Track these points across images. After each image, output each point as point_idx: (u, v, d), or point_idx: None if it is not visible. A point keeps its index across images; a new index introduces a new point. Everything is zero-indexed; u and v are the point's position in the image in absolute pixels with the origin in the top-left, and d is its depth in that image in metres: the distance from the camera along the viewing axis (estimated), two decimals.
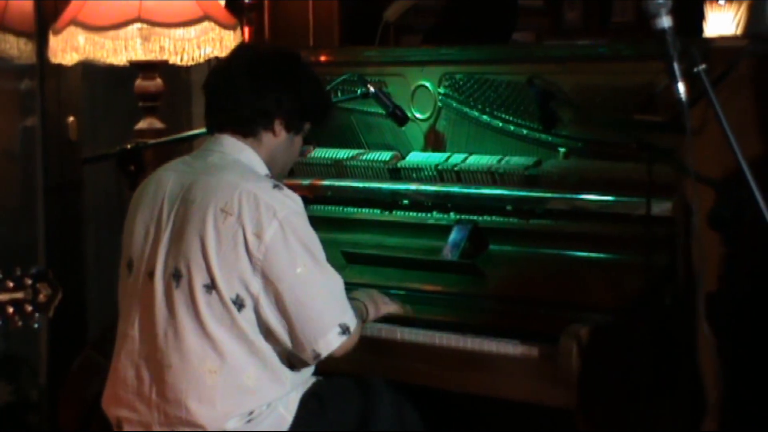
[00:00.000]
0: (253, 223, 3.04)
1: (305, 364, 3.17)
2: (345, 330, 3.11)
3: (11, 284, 2.90)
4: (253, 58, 3.26)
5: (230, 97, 3.20)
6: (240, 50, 3.42)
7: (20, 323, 2.90)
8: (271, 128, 3.20)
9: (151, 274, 3.13)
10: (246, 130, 3.19)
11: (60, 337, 4.85)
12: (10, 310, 2.88)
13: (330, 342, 3.09)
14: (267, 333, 3.09)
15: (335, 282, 3.14)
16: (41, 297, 2.91)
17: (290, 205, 3.09)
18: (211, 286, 3.05)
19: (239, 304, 3.05)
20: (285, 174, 3.36)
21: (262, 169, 3.20)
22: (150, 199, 3.19)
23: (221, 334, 3.06)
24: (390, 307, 3.46)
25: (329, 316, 3.09)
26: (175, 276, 3.09)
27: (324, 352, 3.10)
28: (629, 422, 3.21)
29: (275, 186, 3.12)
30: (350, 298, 3.24)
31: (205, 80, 3.30)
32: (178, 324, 3.07)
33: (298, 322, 3.06)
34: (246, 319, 3.06)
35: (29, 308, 2.90)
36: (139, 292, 3.15)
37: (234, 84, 3.20)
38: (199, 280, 3.06)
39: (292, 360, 3.15)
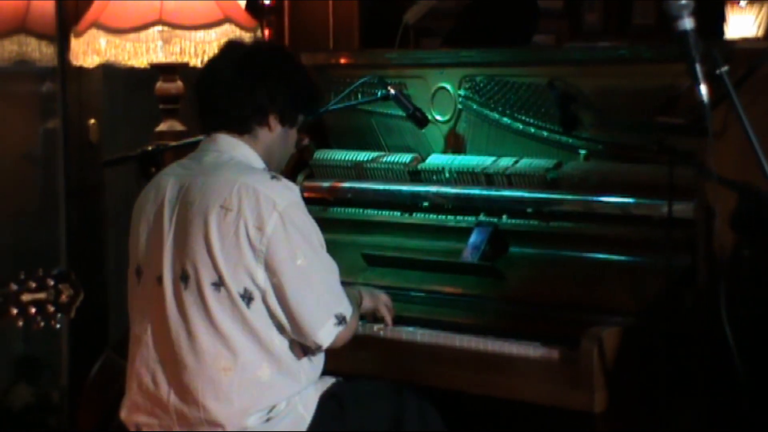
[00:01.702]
0: (254, 216, 3.05)
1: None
2: (341, 320, 3.11)
3: (33, 285, 2.91)
4: (240, 55, 3.24)
5: (223, 96, 3.18)
6: (226, 49, 3.34)
7: (42, 324, 2.91)
8: (266, 123, 3.20)
9: (159, 279, 3.14)
10: (241, 129, 3.19)
11: (81, 338, 4.87)
12: (33, 310, 2.89)
13: (328, 333, 3.10)
14: (279, 326, 3.10)
15: (332, 271, 3.14)
16: (63, 297, 2.92)
17: (289, 196, 3.10)
18: (219, 283, 3.06)
19: (248, 298, 3.06)
20: (282, 168, 3.35)
21: (259, 164, 3.20)
22: (151, 205, 3.20)
23: (233, 331, 3.07)
24: (389, 302, 3.43)
25: (326, 307, 3.10)
26: (182, 278, 3.10)
27: (324, 343, 3.11)
28: (650, 425, 3.20)
29: (273, 177, 3.13)
30: (345, 285, 3.22)
31: (195, 81, 3.29)
32: (190, 325, 3.08)
33: (298, 313, 3.07)
34: (256, 312, 3.07)
35: (51, 309, 2.91)
36: (149, 298, 3.16)
37: (225, 83, 3.18)
38: (207, 278, 3.07)
39: (306, 349, 3.16)
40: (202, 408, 3.08)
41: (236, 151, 3.18)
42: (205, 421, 3.08)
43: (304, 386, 3.15)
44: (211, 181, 3.11)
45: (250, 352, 3.08)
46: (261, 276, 3.06)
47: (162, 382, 3.13)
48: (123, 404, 3.23)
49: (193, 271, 3.08)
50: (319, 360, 3.21)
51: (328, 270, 3.14)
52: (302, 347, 3.14)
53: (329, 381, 3.24)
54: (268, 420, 3.10)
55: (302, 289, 3.07)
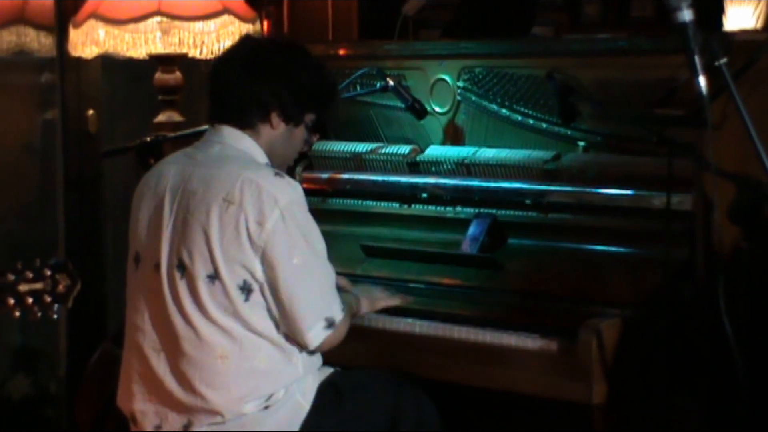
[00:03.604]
0: (255, 211, 3.06)
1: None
2: (330, 324, 3.13)
3: (30, 275, 2.90)
4: (250, 50, 3.26)
5: (227, 88, 3.21)
6: (240, 43, 3.37)
7: (39, 314, 2.90)
8: (267, 120, 3.20)
9: (157, 266, 3.15)
10: (243, 123, 3.20)
11: (79, 329, 4.87)
12: (29, 300, 2.89)
13: (316, 335, 3.12)
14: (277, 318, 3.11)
15: (327, 274, 3.16)
16: (60, 287, 2.91)
17: (291, 193, 3.10)
18: (215, 276, 3.07)
19: (247, 290, 3.08)
20: (287, 166, 3.35)
21: (263, 158, 3.21)
22: (152, 193, 3.21)
23: (227, 322, 3.08)
24: (389, 301, 3.47)
25: (317, 309, 3.11)
26: (179, 267, 3.11)
27: (311, 345, 3.13)
28: (648, 417, 3.21)
29: (276, 174, 3.14)
30: (343, 291, 3.27)
31: (208, 72, 3.30)
32: (186, 313, 3.10)
33: (290, 311, 3.09)
34: (254, 304, 3.08)
35: (48, 299, 2.91)
36: (148, 285, 3.17)
37: (230, 75, 3.20)
38: (203, 270, 3.08)
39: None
40: (199, 396, 3.09)
41: (240, 143, 3.19)
42: (202, 409, 3.09)
43: (303, 375, 3.16)
44: (215, 173, 3.12)
45: (247, 340, 3.09)
46: (259, 270, 3.07)
47: (159, 369, 3.14)
48: (119, 392, 3.24)
49: (189, 262, 3.09)
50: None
51: (324, 272, 3.15)
52: None
53: (328, 370, 3.26)
54: (266, 407, 3.11)
55: (295, 288, 3.08)
